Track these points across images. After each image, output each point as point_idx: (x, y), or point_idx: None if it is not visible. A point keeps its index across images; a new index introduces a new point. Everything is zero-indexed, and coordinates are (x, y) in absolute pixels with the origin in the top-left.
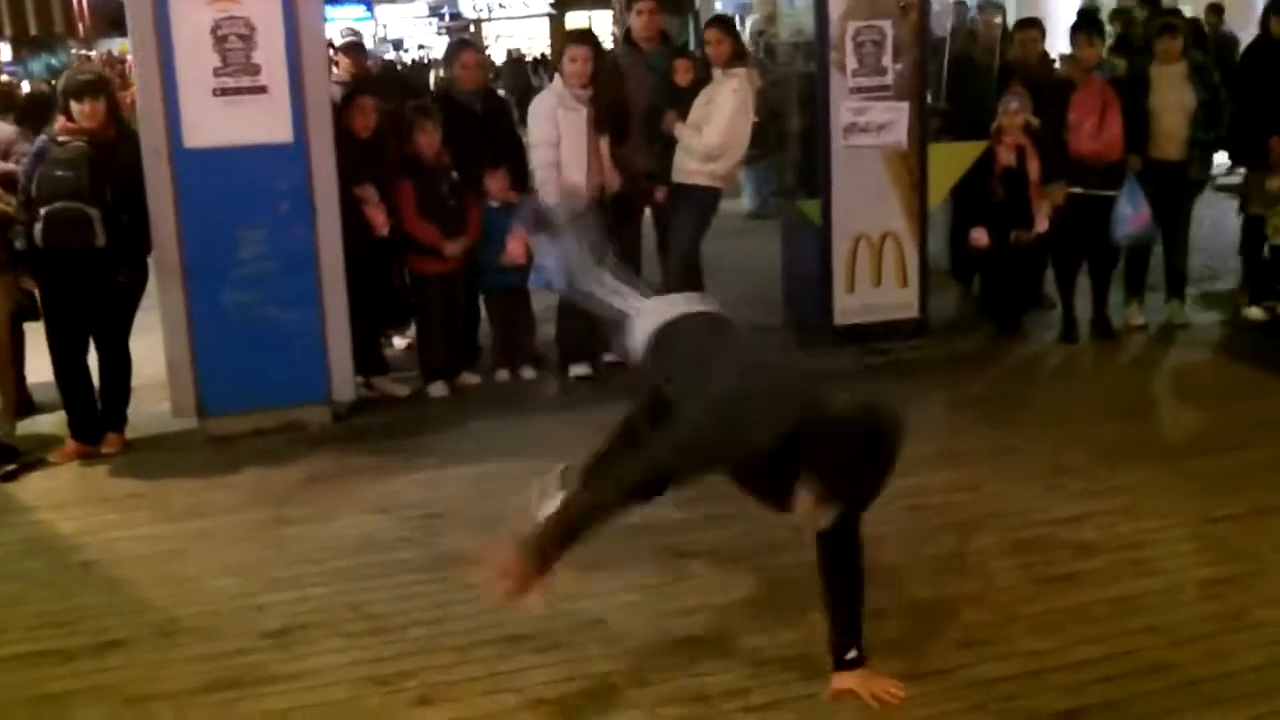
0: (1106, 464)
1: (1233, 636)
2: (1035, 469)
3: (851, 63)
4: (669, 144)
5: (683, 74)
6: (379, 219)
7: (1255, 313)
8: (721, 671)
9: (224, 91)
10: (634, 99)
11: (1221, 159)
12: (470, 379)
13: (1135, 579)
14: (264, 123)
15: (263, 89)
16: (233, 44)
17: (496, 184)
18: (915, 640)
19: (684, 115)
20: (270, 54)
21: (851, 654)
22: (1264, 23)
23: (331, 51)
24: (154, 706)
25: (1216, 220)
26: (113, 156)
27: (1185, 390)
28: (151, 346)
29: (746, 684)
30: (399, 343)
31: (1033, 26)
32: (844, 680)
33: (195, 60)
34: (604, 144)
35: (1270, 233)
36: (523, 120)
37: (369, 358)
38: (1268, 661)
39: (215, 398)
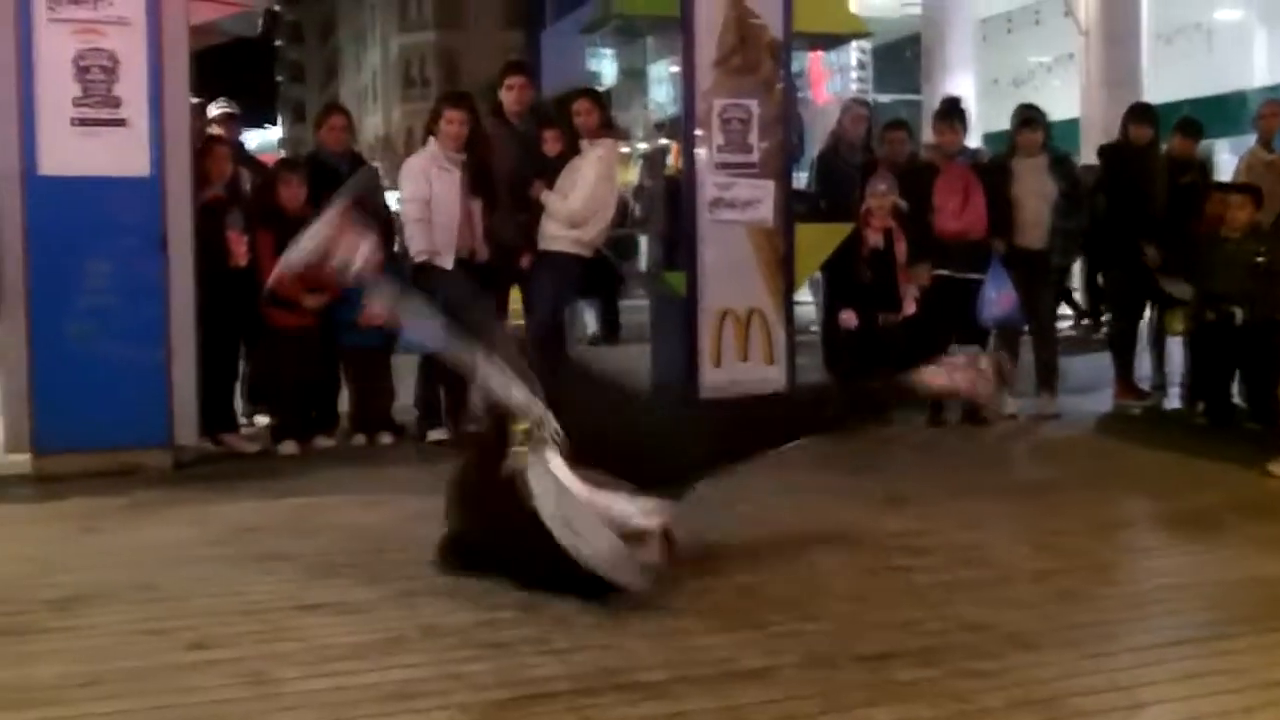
0: (951, 497)
1: (1057, 606)
2: (878, 499)
3: (718, 139)
4: (537, 215)
5: (551, 144)
6: (240, 248)
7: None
8: (521, 624)
9: (83, 122)
10: (502, 170)
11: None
12: (324, 442)
13: (966, 569)
14: (121, 155)
15: (122, 122)
16: (95, 75)
17: None
18: (731, 604)
19: (552, 184)
20: (132, 88)
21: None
22: (1124, 128)
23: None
24: None
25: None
26: None
27: (1040, 454)
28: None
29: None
30: (260, 420)
31: (900, 128)
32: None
33: (55, 88)
34: (476, 208)
35: (1168, 323)
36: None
37: (219, 413)
38: (1092, 621)
39: (50, 434)
